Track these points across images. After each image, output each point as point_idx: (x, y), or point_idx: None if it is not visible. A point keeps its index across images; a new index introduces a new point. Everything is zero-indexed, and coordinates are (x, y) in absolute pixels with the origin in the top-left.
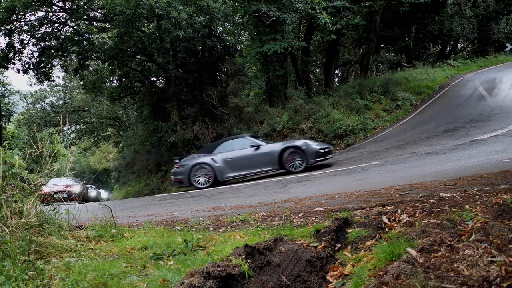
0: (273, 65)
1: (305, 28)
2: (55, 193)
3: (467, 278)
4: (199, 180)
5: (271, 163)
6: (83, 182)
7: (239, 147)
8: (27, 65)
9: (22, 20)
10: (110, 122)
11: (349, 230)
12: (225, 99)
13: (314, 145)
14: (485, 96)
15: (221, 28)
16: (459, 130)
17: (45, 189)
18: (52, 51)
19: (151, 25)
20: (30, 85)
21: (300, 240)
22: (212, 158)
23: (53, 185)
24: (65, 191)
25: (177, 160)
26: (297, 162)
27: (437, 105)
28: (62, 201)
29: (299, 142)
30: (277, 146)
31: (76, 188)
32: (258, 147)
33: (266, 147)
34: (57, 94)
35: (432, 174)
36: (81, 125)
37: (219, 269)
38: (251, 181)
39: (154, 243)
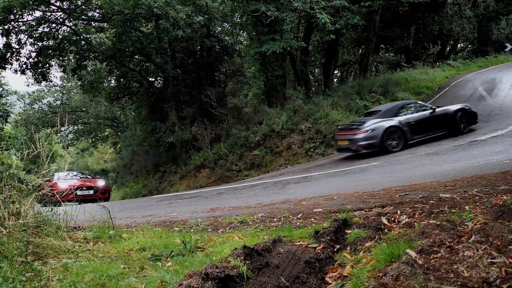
0: (271, 65)
1: (304, 28)
2: (78, 188)
3: (466, 279)
4: (391, 143)
5: (444, 126)
6: (98, 176)
7: (415, 110)
8: (24, 65)
9: (20, 20)
10: (108, 123)
11: (348, 231)
12: (223, 99)
13: (473, 109)
14: (485, 96)
15: (220, 28)
16: None
17: (62, 185)
18: (50, 51)
19: (149, 25)
20: (28, 85)
21: (299, 241)
22: (400, 121)
23: (71, 178)
24: (85, 187)
25: (354, 126)
26: (463, 124)
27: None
28: (89, 199)
29: (463, 105)
30: (450, 109)
31: (101, 183)
32: (434, 110)
33: (441, 110)
34: (55, 95)
35: (432, 175)
36: (79, 125)
37: (217, 270)
38: (250, 182)
39: (152, 244)
